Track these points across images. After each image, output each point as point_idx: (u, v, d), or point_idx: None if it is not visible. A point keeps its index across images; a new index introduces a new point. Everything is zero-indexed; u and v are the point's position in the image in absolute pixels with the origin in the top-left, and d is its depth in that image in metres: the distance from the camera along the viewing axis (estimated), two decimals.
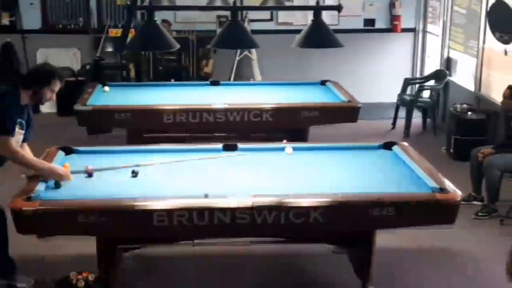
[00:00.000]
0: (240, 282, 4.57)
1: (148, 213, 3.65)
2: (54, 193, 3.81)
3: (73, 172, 4.08)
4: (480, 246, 5.16)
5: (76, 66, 9.01)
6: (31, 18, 8.99)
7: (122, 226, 3.70)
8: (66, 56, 8.97)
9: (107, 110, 5.99)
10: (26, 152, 4.18)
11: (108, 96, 6.43)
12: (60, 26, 9.07)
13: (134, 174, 4.15)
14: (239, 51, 8.42)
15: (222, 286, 4.51)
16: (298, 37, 5.66)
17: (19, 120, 4.07)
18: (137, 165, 4.16)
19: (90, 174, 4.11)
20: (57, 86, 4.13)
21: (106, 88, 6.65)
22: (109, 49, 8.79)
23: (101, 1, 9.05)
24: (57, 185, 3.93)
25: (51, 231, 3.80)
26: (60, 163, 4.30)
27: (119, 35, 8.70)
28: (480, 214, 5.66)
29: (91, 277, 4.29)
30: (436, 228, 4.05)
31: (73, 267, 4.42)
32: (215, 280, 4.57)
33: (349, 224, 3.82)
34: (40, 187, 3.83)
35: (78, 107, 5.88)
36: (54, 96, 4.17)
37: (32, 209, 3.57)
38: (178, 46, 5.48)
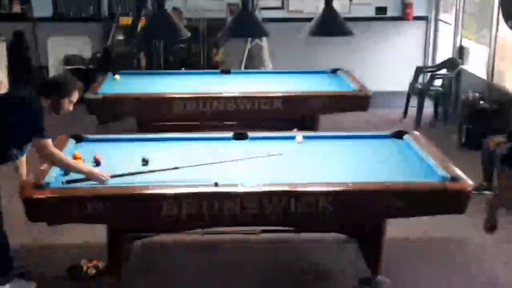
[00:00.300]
0: (243, 274, 4.54)
1: (158, 201, 3.66)
2: (60, 181, 3.81)
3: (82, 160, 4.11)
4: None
5: (87, 55, 9.02)
6: (42, 6, 8.99)
7: (131, 214, 3.71)
8: (76, 44, 8.98)
9: (118, 98, 5.99)
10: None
11: (118, 85, 6.43)
12: (71, 14, 9.08)
13: (145, 162, 4.15)
14: (249, 39, 8.39)
15: (224, 280, 4.47)
16: (309, 25, 5.63)
17: None
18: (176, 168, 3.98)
19: (97, 163, 4.12)
20: (76, 97, 4.13)
21: (117, 77, 6.66)
22: (120, 38, 8.78)
23: None
24: (66, 172, 3.94)
25: (61, 219, 3.80)
26: (71, 150, 4.32)
27: (129, 23, 8.70)
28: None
29: (101, 265, 4.34)
30: (447, 217, 4.03)
31: (84, 255, 4.48)
32: (217, 274, 4.55)
33: (359, 212, 3.80)
34: (50, 174, 3.84)
35: (88, 95, 5.88)
36: (72, 107, 4.13)
37: (43, 196, 3.58)
38: (188, 34, 5.46)
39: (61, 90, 4.05)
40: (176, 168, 3.85)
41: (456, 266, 4.66)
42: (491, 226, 4.95)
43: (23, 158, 4.23)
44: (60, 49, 8.90)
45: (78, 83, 4.17)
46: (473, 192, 5.34)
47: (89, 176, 3.81)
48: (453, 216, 3.95)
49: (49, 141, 3.93)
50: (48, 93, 4.05)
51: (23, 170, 4.26)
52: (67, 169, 3.92)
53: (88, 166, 3.99)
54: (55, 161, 3.91)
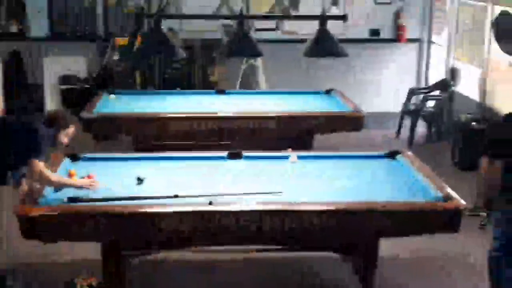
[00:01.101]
0: None
1: (154, 220, 3.68)
2: (60, 200, 3.83)
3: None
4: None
5: (82, 74, 9.05)
6: (38, 25, 9.04)
7: (126, 232, 3.74)
8: (72, 64, 9.01)
9: (113, 117, 6.03)
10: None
11: (114, 104, 6.47)
12: (67, 33, 9.14)
13: (140, 181, 4.17)
14: (245, 59, 8.46)
15: None
16: (304, 46, 5.69)
17: None
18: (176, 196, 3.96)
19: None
20: (72, 132, 4.26)
21: (112, 96, 6.69)
22: (116, 57, 8.83)
23: (108, 9, 9.12)
24: (60, 189, 3.96)
25: (56, 236, 3.82)
26: (66, 169, 4.34)
27: (125, 43, 8.74)
28: (483, 223, 5.66)
29: (94, 283, 4.34)
30: (443, 237, 4.06)
31: (78, 272, 4.48)
32: None
33: (353, 232, 3.83)
34: (46, 192, 3.86)
35: (84, 114, 5.92)
36: (67, 140, 4.27)
37: (37, 214, 3.61)
38: (184, 54, 5.52)
39: (59, 123, 4.18)
40: (176, 196, 3.86)
41: (448, 284, 4.68)
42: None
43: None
44: (56, 68, 8.92)
45: (73, 118, 4.28)
46: (469, 213, 5.44)
47: (79, 187, 3.94)
48: (447, 234, 3.98)
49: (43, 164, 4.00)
50: (47, 126, 4.16)
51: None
52: (55, 186, 3.97)
53: (76, 180, 4.07)
54: (44, 180, 3.96)
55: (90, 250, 4.36)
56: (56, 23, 9.13)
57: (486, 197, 3.99)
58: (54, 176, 4.04)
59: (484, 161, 3.95)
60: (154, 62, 8.70)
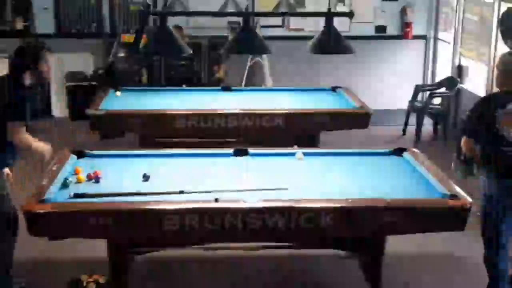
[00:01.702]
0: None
1: (159, 217, 3.68)
2: (66, 196, 3.83)
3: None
4: None
5: (89, 71, 9.07)
6: (44, 22, 9.06)
7: (132, 229, 3.74)
8: (79, 61, 9.03)
9: (119, 114, 6.03)
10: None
11: (120, 101, 6.47)
12: (73, 30, 9.15)
13: (145, 178, 4.17)
14: (250, 56, 8.45)
15: None
16: (309, 43, 5.67)
17: None
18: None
19: (97, 179, 4.14)
20: (48, 57, 4.30)
21: (118, 93, 6.70)
22: (122, 54, 8.83)
23: (114, 6, 9.13)
24: (65, 185, 3.97)
25: (62, 234, 3.83)
26: (72, 166, 4.34)
27: (131, 40, 8.75)
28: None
29: (102, 280, 4.35)
30: (448, 233, 4.05)
31: (85, 269, 4.50)
32: (221, 285, 4.59)
33: (359, 229, 3.83)
34: (52, 189, 3.87)
35: (90, 111, 5.92)
36: (50, 73, 4.34)
37: (44, 211, 3.61)
38: (190, 51, 5.50)
39: (34, 55, 4.22)
40: (182, 192, 3.87)
41: (454, 283, 4.67)
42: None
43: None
44: (62, 65, 8.94)
45: (42, 42, 4.40)
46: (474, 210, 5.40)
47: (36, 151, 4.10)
48: (454, 233, 3.96)
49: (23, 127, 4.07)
50: (27, 63, 4.21)
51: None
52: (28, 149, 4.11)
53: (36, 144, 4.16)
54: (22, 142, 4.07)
55: (97, 247, 4.37)
56: (62, 20, 9.14)
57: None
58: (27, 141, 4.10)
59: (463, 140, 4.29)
60: (160, 59, 8.70)
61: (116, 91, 6.73)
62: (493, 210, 4.17)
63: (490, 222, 4.18)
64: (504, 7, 7.21)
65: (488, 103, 4.34)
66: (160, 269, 4.73)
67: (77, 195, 3.80)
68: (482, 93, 7.77)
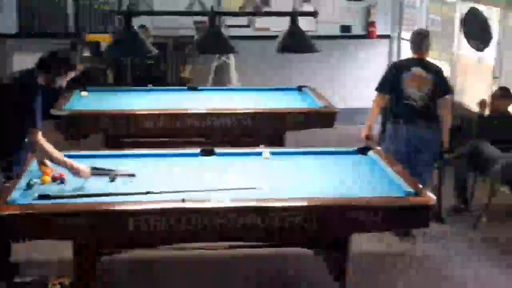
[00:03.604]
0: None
1: (125, 218, 3.66)
2: (30, 197, 3.79)
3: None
4: (458, 252, 5.27)
5: None
6: (7, 22, 8.91)
7: (98, 230, 3.70)
8: None
9: (84, 114, 5.98)
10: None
11: (85, 101, 6.41)
12: (37, 30, 9.02)
13: (112, 178, 4.15)
14: (217, 56, 8.45)
15: None
16: (275, 42, 5.70)
17: None
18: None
19: (62, 180, 4.10)
20: (72, 74, 4.34)
21: (84, 93, 6.64)
22: (86, 54, 8.76)
23: (78, 6, 9.03)
24: (29, 187, 3.93)
25: (27, 235, 3.78)
26: (39, 169, 4.28)
27: (96, 40, 8.69)
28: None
29: (67, 281, 4.32)
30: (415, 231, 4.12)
31: (50, 271, 4.45)
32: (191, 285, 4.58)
33: (325, 227, 3.85)
34: (16, 191, 3.82)
35: (54, 111, 5.85)
36: (65, 83, 4.39)
37: (8, 213, 3.56)
38: (156, 51, 5.49)
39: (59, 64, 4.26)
40: (148, 192, 3.86)
41: (423, 283, 4.74)
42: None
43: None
44: (25, 65, 8.79)
45: (75, 58, 4.32)
46: (452, 213, 5.58)
47: (69, 169, 4.05)
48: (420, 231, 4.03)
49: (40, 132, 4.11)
50: (48, 68, 4.25)
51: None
52: (51, 160, 4.11)
53: (70, 160, 4.13)
54: (42, 151, 4.09)
55: (62, 249, 4.32)
56: (25, 19, 9.01)
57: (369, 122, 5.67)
58: (51, 151, 4.12)
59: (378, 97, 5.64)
60: (127, 59, 8.65)
61: (81, 91, 6.67)
62: (393, 147, 5.42)
63: (388, 151, 5.16)
64: (465, 7, 7.33)
65: (396, 67, 5.64)
66: (125, 271, 4.71)
67: (41, 196, 3.77)
68: None
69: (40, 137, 4.15)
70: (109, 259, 4.37)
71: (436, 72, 5.52)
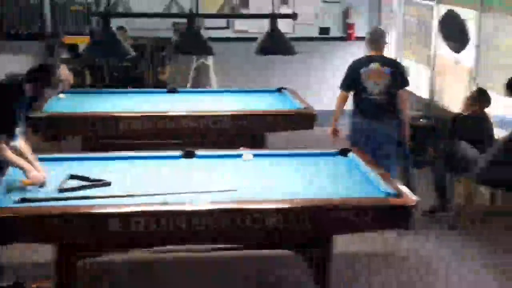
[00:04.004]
0: None
1: (105, 220, 3.64)
2: (11, 201, 3.74)
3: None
4: (438, 250, 5.31)
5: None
6: None
7: (78, 233, 3.67)
8: (19, 63, 8.81)
9: (61, 117, 5.93)
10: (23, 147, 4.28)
11: (63, 103, 6.35)
12: (14, 32, 8.93)
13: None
14: (195, 58, 8.44)
15: None
16: (254, 44, 5.71)
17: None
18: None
19: (41, 184, 4.07)
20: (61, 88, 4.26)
21: (61, 95, 6.57)
22: (64, 56, 8.69)
23: (55, 7, 8.95)
24: (10, 190, 3.88)
25: (8, 239, 3.74)
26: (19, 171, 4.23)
27: (73, 41, 8.62)
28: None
29: (46, 285, 4.27)
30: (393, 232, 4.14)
31: (29, 274, 4.40)
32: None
33: (306, 229, 3.85)
34: None
35: (32, 114, 5.79)
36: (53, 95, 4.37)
37: None
38: (133, 53, 5.47)
39: (48, 78, 4.22)
40: (130, 196, 3.84)
41: (400, 281, 4.76)
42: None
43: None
44: (1, 67, 8.72)
45: (66, 74, 4.27)
46: (429, 214, 5.64)
47: (26, 173, 3.99)
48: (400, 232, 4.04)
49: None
50: (35, 79, 4.20)
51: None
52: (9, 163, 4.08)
53: (28, 164, 4.08)
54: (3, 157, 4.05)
55: (42, 251, 4.28)
56: (2, 20, 8.91)
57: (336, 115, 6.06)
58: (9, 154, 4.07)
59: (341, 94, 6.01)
60: (104, 61, 8.59)
61: (59, 93, 6.60)
62: (357, 139, 5.74)
63: (356, 145, 5.39)
64: (442, 9, 7.40)
65: (355, 64, 5.93)
66: (106, 273, 4.67)
67: (23, 200, 3.72)
68: (424, 94, 7.96)
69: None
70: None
71: (393, 66, 5.86)
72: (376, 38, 5.93)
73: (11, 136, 4.16)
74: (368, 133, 5.76)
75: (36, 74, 4.26)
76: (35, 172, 4.08)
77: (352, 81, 5.86)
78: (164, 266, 4.78)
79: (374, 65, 5.78)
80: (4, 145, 4.05)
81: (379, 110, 5.75)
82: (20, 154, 4.22)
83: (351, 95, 5.97)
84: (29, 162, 4.16)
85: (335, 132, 6.03)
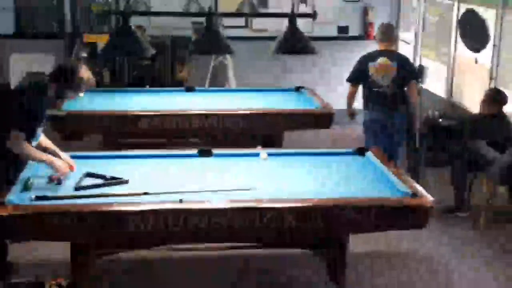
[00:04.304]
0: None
1: (123, 218, 3.67)
2: (27, 198, 3.78)
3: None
4: (454, 252, 5.27)
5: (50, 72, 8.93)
6: (3, 23, 8.91)
7: (95, 231, 3.71)
8: (39, 61, 8.88)
9: (82, 115, 5.98)
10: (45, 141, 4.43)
11: (83, 101, 6.38)
12: (34, 31, 9.02)
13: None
14: (214, 57, 8.45)
15: None
16: (273, 44, 5.71)
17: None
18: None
19: (58, 181, 4.10)
20: (84, 89, 4.38)
21: (81, 93, 6.60)
22: (84, 54, 8.75)
23: (76, 7, 9.02)
24: (26, 188, 3.92)
25: (24, 236, 3.79)
26: (37, 168, 4.28)
27: (93, 40, 8.68)
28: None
29: (64, 283, 4.31)
30: (413, 232, 4.12)
31: (47, 272, 4.45)
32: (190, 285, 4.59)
33: (323, 228, 3.86)
34: (13, 191, 3.82)
35: (52, 111, 5.83)
36: (75, 96, 4.44)
37: (4, 214, 3.56)
38: (153, 52, 5.49)
39: (70, 79, 4.24)
40: (146, 193, 3.87)
41: (419, 282, 4.74)
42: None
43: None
44: (23, 66, 8.80)
45: (88, 75, 4.30)
46: (448, 213, 5.62)
47: (49, 165, 4.08)
48: (419, 232, 4.02)
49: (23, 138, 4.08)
50: (58, 80, 4.25)
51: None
52: (28, 159, 4.14)
53: (49, 156, 4.17)
54: (22, 152, 4.09)
55: (59, 250, 4.32)
56: (23, 20, 9.00)
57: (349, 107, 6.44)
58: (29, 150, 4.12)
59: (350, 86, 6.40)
60: (123, 59, 8.64)
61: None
62: (369, 130, 6.23)
63: (369, 138, 6.14)
64: (463, 8, 7.35)
65: (364, 58, 6.29)
66: (124, 271, 4.70)
67: (39, 198, 3.76)
68: (442, 93, 7.92)
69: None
70: (109, 259, 4.38)
71: (400, 60, 6.24)
72: (389, 33, 6.31)
73: (34, 134, 4.21)
74: (378, 124, 6.17)
75: (60, 75, 4.29)
76: (58, 162, 4.14)
77: (360, 74, 6.25)
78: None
79: (382, 59, 6.14)
80: (23, 141, 4.09)
81: (388, 102, 6.11)
82: (43, 150, 4.30)
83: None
84: (54, 154, 4.25)
85: (352, 113, 6.46)
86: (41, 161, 4.17)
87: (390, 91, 6.12)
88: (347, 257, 4.23)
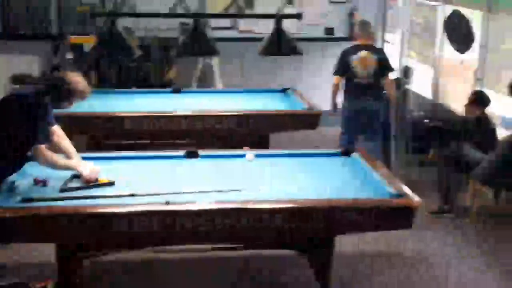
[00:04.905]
0: None
1: (108, 220, 3.65)
2: (14, 200, 3.76)
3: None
4: (442, 250, 5.30)
5: (35, 73, 8.89)
6: None
7: (81, 233, 3.69)
8: (25, 63, 8.85)
9: (68, 116, 5.93)
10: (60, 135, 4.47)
11: None
12: (21, 32, 8.96)
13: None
14: (201, 58, 8.45)
15: None
16: (259, 45, 5.71)
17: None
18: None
19: (44, 183, 4.08)
20: (79, 100, 4.40)
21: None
22: (69, 56, 8.71)
23: (61, 8, 8.98)
24: (10, 189, 3.90)
25: (10, 238, 3.76)
26: (23, 171, 4.25)
27: (79, 42, 8.64)
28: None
29: (49, 286, 4.28)
30: (399, 232, 4.14)
31: (31, 274, 4.42)
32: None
33: (309, 229, 3.86)
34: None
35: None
36: (71, 106, 4.42)
37: None
38: (139, 53, 5.49)
39: (66, 92, 4.24)
40: (133, 195, 3.86)
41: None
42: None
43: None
44: (8, 67, 8.75)
45: (82, 87, 4.25)
46: (434, 214, 5.65)
47: (79, 170, 4.10)
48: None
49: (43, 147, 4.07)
50: (53, 92, 4.21)
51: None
52: (55, 168, 4.11)
53: (73, 162, 4.21)
54: (47, 162, 4.07)
55: (45, 251, 4.30)
56: (9, 21, 8.94)
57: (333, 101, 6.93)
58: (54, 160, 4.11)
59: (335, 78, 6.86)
60: (110, 61, 8.61)
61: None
62: (350, 121, 6.78)
63: (349, 127, 6.85)
64: (448, 10, 7.39)
65: (347, 52, 6.79)
66: (109, 273, 4.69)
67: (25, 200, 3.74)
68: (427, 94, 7.95)
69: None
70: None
71: (379, 53, 6.81)
72: (367, 28, 6.86)
73: (48, 141, 4.20)
74: (357, 112, 6.72)
75: (54, 90, 4.23)
76: (86, 170, 4.13)
77: (343, 66, 6.75)
78: (164, 266, 4.79)
79: (363, 52, 6.68)
80: (45, 153, 4.07)
81: (367, 92, 6.66)
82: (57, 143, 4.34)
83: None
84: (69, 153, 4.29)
85: (335, 105, 6.92)
86: (68, 168, 4.16)
87: (369, 81, 6.65)
88: (333, 257, 4.23)
